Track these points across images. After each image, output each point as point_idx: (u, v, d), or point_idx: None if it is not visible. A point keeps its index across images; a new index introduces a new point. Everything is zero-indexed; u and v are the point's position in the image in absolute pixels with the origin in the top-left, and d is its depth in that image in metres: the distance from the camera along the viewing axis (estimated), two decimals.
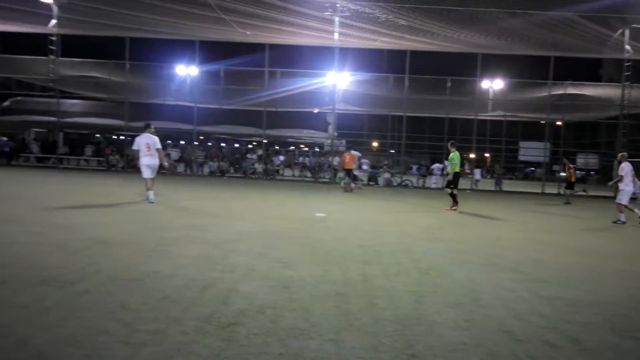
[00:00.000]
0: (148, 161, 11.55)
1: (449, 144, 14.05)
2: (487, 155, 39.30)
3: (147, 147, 11.57)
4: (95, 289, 4.22)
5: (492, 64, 28.05)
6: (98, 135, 36.10)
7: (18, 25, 25.00)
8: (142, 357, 2.92)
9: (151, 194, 11.38)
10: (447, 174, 14.13)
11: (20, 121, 29.46)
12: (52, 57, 26.11)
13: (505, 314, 4.17)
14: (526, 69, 30.05)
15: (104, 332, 3.28)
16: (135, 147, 11.77)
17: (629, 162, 12.03)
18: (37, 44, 26.96)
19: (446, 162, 27.23)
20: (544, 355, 3.32)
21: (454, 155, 13.47)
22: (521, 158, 35.26)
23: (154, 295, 4.14)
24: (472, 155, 31.49)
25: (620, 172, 11.89)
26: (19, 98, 29.68)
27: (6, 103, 28.26)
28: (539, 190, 25.77)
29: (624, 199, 11.85)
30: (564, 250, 7.70)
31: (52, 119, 27.09)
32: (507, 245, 7.91)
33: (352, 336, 3.46)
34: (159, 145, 11.79)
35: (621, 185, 11.88)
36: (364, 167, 27.36)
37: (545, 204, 18.35)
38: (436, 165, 28.12)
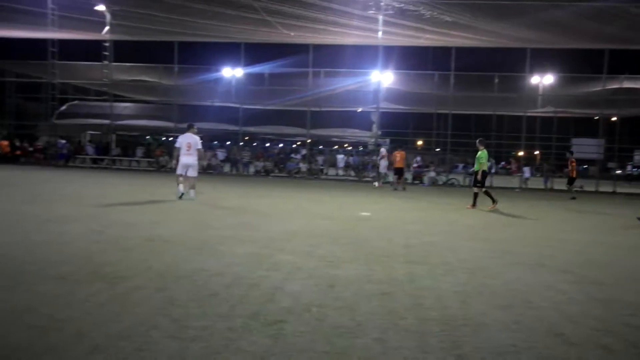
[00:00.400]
0: (186, 160, 12.01)
1: (477, 141, 13.70)
2: (536, 153, 38.02)
3: (188, 147, 12.03)
4: (146, 286, 4.37)
5: (542, 58, 27.15)
6: (148, 137, 37.31)
7: (75, 33, 26.19)
8: (190, 353, 3.00)
9: (192, 192, 11.93)
10: (474, 172, 13.90)
11: (77, 124, 30.83)
12: (105, 62, 27.19)
13: (556, 316, 4.03)
14: (578, 63, 29.00)
15: (155, 327, 3.39)
16: (177, 145, 12.26)
17: None
18: (91, 51, 28.17)
19: (492, 161, 26.73)
20: None
21: (482, 153, 13.20)
22: (576, 156, 33.91)
23: (202, 293, 4.24)
24: (520, 153, 30.59)
25: None
26: (75, 102, 31.05)
27: (63, 107, 29.62)
28: (592, 189, 24.72)
29: None
30: (616, 250, 7.37)
31: (106, 121, 28.21)
32: (558, 245, 7.64)
33: (397, 336, 3.43)
34: (200, 146, 12.25)
35: None
36: (415, 164, 27.24)
37: (598, 203, 17.60)
38: None
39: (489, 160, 14.05)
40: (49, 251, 5.60)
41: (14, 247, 5.72)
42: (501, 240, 7.88)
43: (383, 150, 22.29)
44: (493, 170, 26.72)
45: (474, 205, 13.15)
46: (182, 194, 11.83)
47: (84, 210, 9.23)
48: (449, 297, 4.46)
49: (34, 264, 5.00)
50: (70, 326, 3.34)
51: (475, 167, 13.47)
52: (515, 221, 10.92)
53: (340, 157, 21.75)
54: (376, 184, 22.16)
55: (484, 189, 13.32)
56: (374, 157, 25.81)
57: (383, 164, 21.71)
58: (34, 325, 3.33)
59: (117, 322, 3.45)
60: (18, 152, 29.73)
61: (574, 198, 18.41)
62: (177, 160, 12.11)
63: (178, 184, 12.02)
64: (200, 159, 12.35)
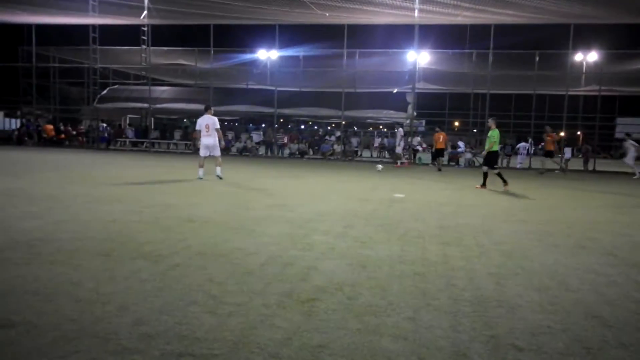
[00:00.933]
0: (206, 141, 12.54)
1: (489, 120, 13.36)
2: (579, 133, 36.79)
3: (207, 128, 12.53)
4: (185, 264, 4.53)
5: (586, 35, 26.04)
6: (185, 120, 37.98)
7: (115, 18, 26.74)
8: (227, 327, 3.11)
9: (218, 169, 12.57)
10: (483, 151, 13.75)
11: (117, 108, 31.63)
12: (144, 46, 27.70)
13: (595, 299, 3.97)
14: (624, 39, 27.68)
15: (193, 302, 3.53)
16: (197, 127, 12.85)
17: None
18: (130, 35, 28.76)
19: (530, 141, 26.07)
20: (637, 342, 3.14)
21: (494, 132, 12.86)
22: (618, 135, 32.68)
23: (239, 271, 4.37)
24: (562, 134, 29.66)
25: None
26: (116, 87, 31.82)
27: (104, 92, 30.41)
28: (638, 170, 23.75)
29: None
30: None
31: (145, 105, 28.82)
32: (599, 228, 7.45)
33: (429, 315, 3.46)
34: (218, 126, 12.76)
35: None
36: (460, 149, 26.98)
37: None
38: (522, 145, 26.78)
39: (501, 142, 13.82)
40: (95, 229, 5.85)
41: (65, 226, 6.00)
42: (541, 222, 7.74)
43: (401, 130, 22.28)
44: (531, 151, 26.09)
45: (483, 185, 12.92)
46: (201, 177, 12.26)
47: (126, 191, 9.56)
48: (483, 278, 4.45)
49: (83, 240, 5.25)
50: (114, 300, 3.51)
51: (486, 147, 13.20)
52: (556, 203, 10.66)
53: (400, 132, 22.00)
54: (399, 162, 22.59)
55: (496, 171, 12.98)
56: (409, 139, 25.61)
57: (402, 144, 22.09)
58: (82, 299, 3.52)
59: (158, 297, 3.61)
60: (62, 136, 30.81)
61: (562, 171, 19.22)
62: (199, 141, 12.69)
63: (199, 166, 12.50)
64: (219, 139, 12.76)
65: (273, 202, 8.83)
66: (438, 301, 3.77)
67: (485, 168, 13.19)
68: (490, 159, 13.12)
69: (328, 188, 12.08)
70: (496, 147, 13.09)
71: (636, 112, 31.17)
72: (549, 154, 20.39)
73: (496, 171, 12.99)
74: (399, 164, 22.53)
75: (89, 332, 2.95)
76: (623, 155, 21.34)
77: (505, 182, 12.65)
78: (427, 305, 3.67)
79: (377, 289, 3.99)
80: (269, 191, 10.73)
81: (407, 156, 24.26)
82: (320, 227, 6.56)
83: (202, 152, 12.65)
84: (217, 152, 12.74)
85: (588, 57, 26.78)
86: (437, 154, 21.56)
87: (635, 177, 20.19)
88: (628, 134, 21.26)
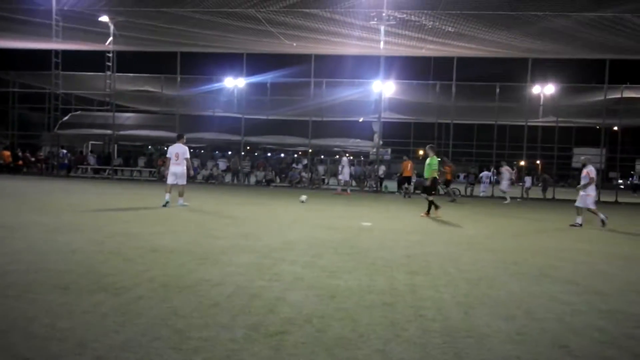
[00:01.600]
0: (174, 169, 12.79)
1: (427, 147, 13.65)
2: (537, 162, 38.02)
3: (177, 156, 12.81)
4: (148, 296, 4.37)
5: (544, 68, 27.29)
6: (150, 147, 37.40)
7: (78, 43, 26.37)
8: None
9: (181, 200, 12.65)
10: (425, 179, 13.91)
11: (79, 134, 30.93)
12: (108, 72, 27.34)
13: (560, 327, 4.02)
14: (580, 73, 29.10)
15: (157, 338, 3.39)
16: (168, 155, 13.12)
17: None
18: (94, 61, 28.37)
19: (493, 170, 26.73)
20: None
21: (433, 160, 13.12)
22: (575, 165, 33.96)
23: (205, 303, 4.24)
24: (522, 163, 30.59)
25: (591, 176, 12.12)
26: (78, 112, 31.17)
27: (66, 118, 29.73)
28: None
29: (592, 203, 12.28)
30: (625, 261, 7.35)
31: (108, 132, 28.29)
32: (562, 256, 7.62)
33: (400, 347, 3.42)
34: (187, 155, 13.08)
35: (589, 190, 12.15)
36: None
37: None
38: (485, 174, 27.47)
39: (439, 168, 14.16)
40: (53, 260, 5.61)
41: (21, 256, 5.72)
42: (505, 251, 7.87)
43: (344, 159, 22.62)
44: (493, 180, 26.75)
45: (428, 213, 12.96)
46: (167, 202, 12.39)
47: (87, 221, 9.25)
48: (451, 308, 4.45)
49: (39, 272, 5.01)
50: (72, 336, 3.34)
51: (426, 174, 13.31)
52: (519, 231, 10.89)
53: (344, 160, 21.98)
54: (339, 188, 22.96)
55: (431, 197, 12.98)
56: (375, 167, 25.89)
57: (346, 171, 22.20)
58: (38, 335, 3.33)
59: (120, 332, 3.45)
60: (20, 162, 29.82)
61: (453, 200, 20.15)
62: (168, 170, 12.91)
63: (166, 192, 12.65)
64: (187, 168, 12.97)
65: (239, 231, 8.70)
66: (408, 332, 3.74)
67: (425, 196, 13.31)
68: (432, 187, 13.15)
69: (295, 216, 12.01)
70: (436, 174, 13.33)
71: (591, 142, 32.48)
72: (447, 183, 21.50)
73: (431, 198, 12.97)
74: (339, 190, 22.64)
75: None
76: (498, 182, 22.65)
77: (437, 207, 12.81)
78: (397, 336, 3.64)
79: (346, 320, 3.94)
80: (235, 219, 10.58)
81: (348, 187, 23.94)
82: (287, 257, 6.48)
83: (170, 180, 12.82)
84: (183, 181, 12.91)
85: (545, 89, 27.95)
86: (403, 181, 22.13)
87: (506, 202, 21.12)
88: (504, 161, 22.86)
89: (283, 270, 5.68)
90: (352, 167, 31.62)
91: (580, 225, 11.95)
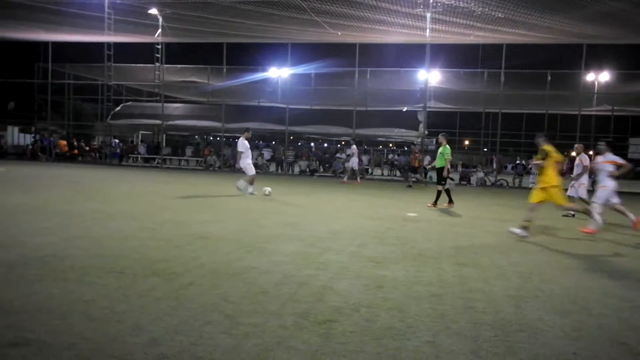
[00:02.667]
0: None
1: (439, 135, 13.01)
2: (591, 153, 36.55)
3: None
4: (198, 282, 4.48)
5: (599, 54, 25.98)
6: (197, 137, 38.22)
7: (129, 36, 27.16)
8: (243, 349, 3.05)
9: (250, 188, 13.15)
10: (434, 168, 13.35)
11: (130, 124, 31.94)
12: (157, 64, 28.05)
13: (619, 324, 3.86)
14: (637, 59, 27.58)
15: (208, 322, 3.47)
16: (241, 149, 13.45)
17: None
18: (144, 53, 29.17)
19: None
20: None
21: (445, 149, 12.39)
22: (631, 156, 32.39)
23: (253, 290, 4.31)
24: (573, 154, 29.45)
25: (585, 164, 11.49)
26: (129, 103, 32.17)
27: (118, 108, 30.74)
28: None
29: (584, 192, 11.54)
30: None
31: (157, 122, 29.08)
32: (621, 250, 7.30)
33: (450, 339, 3.37)
34: (239, 149, 13.53)
35: (582, 179, 11.52)
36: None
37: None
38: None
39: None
40: (108, 246, 5.83)
41: (78, 242, 5.98)
42: (557, 243, 7.61)
43: (354, 147, 21.62)
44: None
45: (435, 204, 12.39)
46: (253, 193, 12.94)
47: (138, 208, 9.56)
48: (502, 301, 4.35)
49: (96, 257, 5.22)
50: (129, 319, 3.46)
51: (438, 164, 12.59)
52: (573, 224, 10.50)
53: (353, 148, 21.47)
54: (345, 177, 21.91)
55: (445, 186, 12.52)
56: (422, 158, 25.51)
57: (354, 160, 21.37)
58: (96, 317, 3.47)
59: (173, 316, 3.56)
60: (75, 152, 31.12)
61: (409, 186, 20.65)
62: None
63: (250, 184, 13.15)
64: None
65: (285, 220, 8.78)
66: (457, 324, 3.68)
67: (439, 187, 12.59)
68: (442, 176, 12.51)
69: (339, 206, 12.01)
70: (448, 164, 12.58)
71: None
72: (413, 170, 22.26)
73: (446, 187, 12.53)
74: (345, 179, 21.59)
75: (103, 352, 2.90)
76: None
77: (450, 200, 12.39)
78: (446, 328, 3.58)
79: (394, 311, 3.91)
80: (281, 209, 10.68)
81: (361, 175, 23.22)
82: (333, 246, 6.49)
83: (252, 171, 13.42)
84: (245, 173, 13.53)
85: (600, 77, 26.69)
86: (412, 171, 22.60)
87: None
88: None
89: (329, 259, 5.69)
90: (398, 157, 31.38)
91: (573, 215, 11.50)
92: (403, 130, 27.49)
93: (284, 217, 9.27)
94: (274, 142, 39.39)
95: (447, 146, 12.57)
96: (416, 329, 3.53)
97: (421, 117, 26.31)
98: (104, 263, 5.00)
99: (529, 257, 6.38)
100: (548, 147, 8.07)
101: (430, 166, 20.21)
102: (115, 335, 3.16)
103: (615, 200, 9.24)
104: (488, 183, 25.44)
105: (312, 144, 37.77)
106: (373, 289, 4.54)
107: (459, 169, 28.04)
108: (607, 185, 9.19)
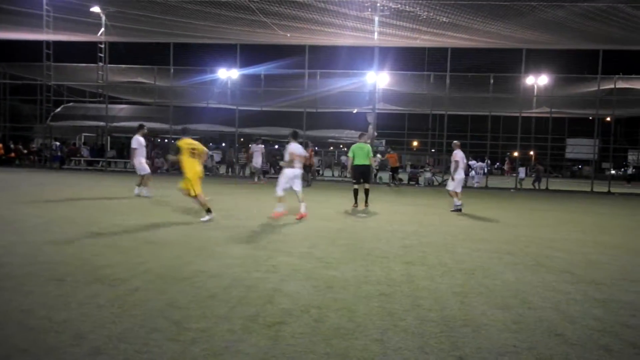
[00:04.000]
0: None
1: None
2: (531, 153, 38.22)
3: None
4: (144, 287, 4.36)
5: (537, 59, 27.24)
6: None
7: (70, 34, 26.08)
8: (191, 355, 2.99)
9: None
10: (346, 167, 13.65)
11: (72, 126, 30.65)
12: (101, 64, 27.10)
13: (556, 316, 4.05)
14: (573, 64, 29.08)
15: (154, 329, 3.38)
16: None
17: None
18: (86, 52, 28.10)
19: (486, 161, 26.77)
20: None
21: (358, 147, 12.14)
22: (568, 156, 34.16)
23: (202, 294, 4.23)
24: (515, 154, 30.71)
25: (456, 159, 12.31)
26: (71, 104, 30.88)
27: (58, 109, 29.44)
28: (587, 189, 24.80)
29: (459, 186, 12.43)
30: (619, 251, 7.40)
31: (101, 123, 28.08)
32: (556, 246, 7.66)
33: (397, 337, 3.44)
34: (133, 145, 13.10)
35: (459, 173, 12.34)
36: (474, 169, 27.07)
37: (593, 203, 17.66)
38: (478, 164, 27.55)
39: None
40: (48, 253, 5.58)
41: (15, 248, 5.69)
42: (499, 241, 7.90)
43: (259, 146, 21.08)
44: (485, 170, 26.83)
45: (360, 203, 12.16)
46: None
47: (81, 212, 9.20)
48: (448, 298, 4.47)
49: (34, 265, 4.99)
50: (69, 328, 3.33)
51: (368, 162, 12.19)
52: (513, 222, 10.94)
53: (255, 147, 20.47)
54: (256, 179, 21.25)
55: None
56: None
57: (258, 160, 20.83)
58: (34, 327, 3.31)
59: (117, 324, 3.45)
60: (12, 155, 29.58)
61: (391, 185, 23.15)
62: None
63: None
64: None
65: (234, 223, 8.68)
66: (405, 322, 3.75)
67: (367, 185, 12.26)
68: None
69: (290, 208, 11.97)
70: (358, 162, 12.05)
71: (584, 133, 32.68)
72: (394, 170, 24.12)
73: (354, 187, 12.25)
74: (256, 180, 21.15)
75: None
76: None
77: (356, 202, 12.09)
78: (394, 326, 3.65)
79: (343, 311, 3.94)
80: (230, 211, 10.55)
81: (257, 175, 21.92)
82: (283, 248, 6.48)
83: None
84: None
85: (539, 80, 27.99)
86: (392, 172, 23.73)
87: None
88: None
89: (279, 261, 5.67)
90: (344, 158, 31.66)
91: (460, 208, 12.20)
92: (353, 131, 27.75)
93: (233, 220, 9.16)
94: (223, 144, 38.89)
95: (360, 144, 12.23)
96: (365, 328, 3.57)
97: (370, 118, 26.69)
98: (43, 270, 4.79)
99: (473, 255, 6.59)
100: (180, 143, 8.88)
101: (376, 166, 20.55)
102: (54, 345, 3.03)
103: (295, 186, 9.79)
104: (435, 183, 26.11)
105: (263, 146, 37.53)
106: (323, 289, 4.56)
107: (408, 169, 28.67)
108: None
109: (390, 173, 24.56)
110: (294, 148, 9.72)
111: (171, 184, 12.64)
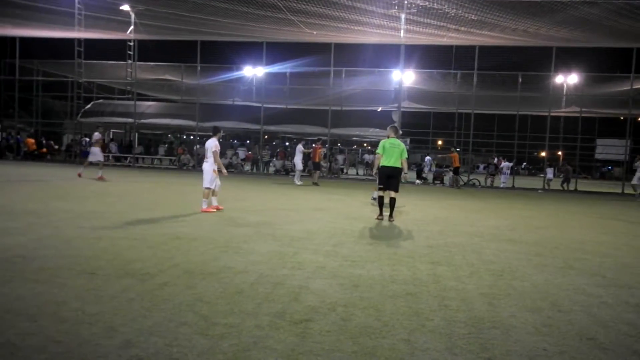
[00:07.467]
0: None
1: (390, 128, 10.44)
2: (559, 153, 37.45)
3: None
4: (173, 282, 4.43)
5: (568, 57, 26.64)
6: (170, 136, 37.73)
7: (100, 32, 26.60)
8: (220, 349, 3.02)
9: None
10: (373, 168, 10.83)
11: (101, 122, 31.24)
12: (129, 61, 27.57)
13: (587, 320, 3.96)
14: (605, 62, 28.45)
15: (184, 323, 3.43)
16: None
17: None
18: (116, 50, 28.62)
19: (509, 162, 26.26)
20: None
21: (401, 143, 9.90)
22: (598, 156, 33.36)
23: (229, 290, 4.28)
24: (543, 154, 30.16)
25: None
26: (100, 101, 31.53)
27: (88, 106, 30.09)
28: (617, 191, 24.18)
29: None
30: None
31: (129, 120, 28.58)
32: (586, 248, 7.50)
33: (425, 337, 3.41)
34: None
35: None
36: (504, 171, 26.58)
37: (623, 205, 17.22)
38: (505, 164, 27.12)
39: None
40: (80, 247, 5.71)
41: (48, 242, 5.84)
42: (528, 242, 7.77)
43: (300, 146, 20.12)
44: (512, 171, 26.39)
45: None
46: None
47: (110, 207, 9.39)
48: (476, 298, 4.42)
49: (66, 258, 5.11)
50: (102, 320, 3.40)
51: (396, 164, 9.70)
52: (542, 223, 10.75)
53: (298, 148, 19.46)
54: (297, 182, 19.84)
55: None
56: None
57: (298, 159, 20.09)
58: (68, 319, 3.40)
59: (147, 317, 3.51)
60: (44, 150, 30.34)
61: (453, 186, 22.67)
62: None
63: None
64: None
65: (260, 220, 8.74)
66: (432, 322, 3.73)
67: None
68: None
69: (315, 205, 12.02)
70: (386, 162, 9.64)
71: (614, 134, 31.87)
72: (456, 171, 23.23)
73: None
74: (299, 181, 19.79)
75: (76, 355, 2.84)
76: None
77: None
78: (421, 326, 3.63)
79: (370, 310, 3.94)
80: (256, 208, 10.63)
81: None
82: (309, 246, 6.50)
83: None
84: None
85: (569, 79, 27.39)
86: (455, 172, 23.11)
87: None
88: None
89: (305, 259, 5.69)
90: (370, 156, 31.56)
91: (375, 199, 11.50)
92: (377, 130, 27.66)
93: (259, 216, 9.22)
94: (248, 141, 39.18)
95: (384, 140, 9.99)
96: (392, 328, 3.56)
97: (395, 117, 26.53)
98: (75, 264, 4.90)
99: (501, 256, 6.50)
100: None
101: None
102: (87, 337, 3.10)
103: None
104: (461, 183, 25.81)
105: (287, 143, 37.70)
106: (349, 288, 4.56)
107: (433, 168, 28.40)
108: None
109: (452, 175, 23.68)
110: (207, 143, 10.00)
111: (196, 180, 12.78)
